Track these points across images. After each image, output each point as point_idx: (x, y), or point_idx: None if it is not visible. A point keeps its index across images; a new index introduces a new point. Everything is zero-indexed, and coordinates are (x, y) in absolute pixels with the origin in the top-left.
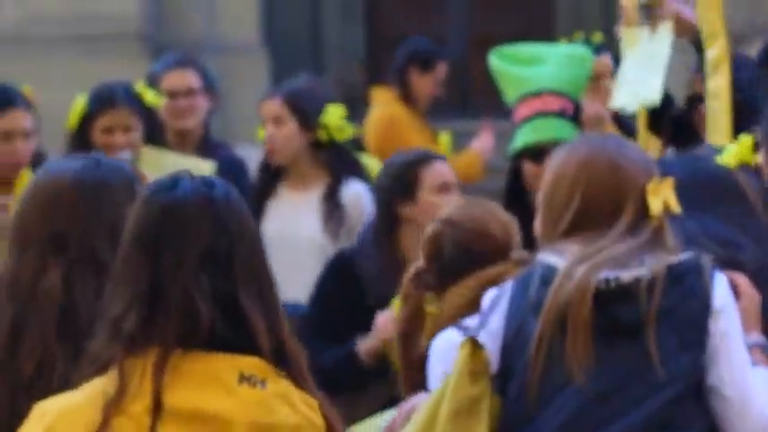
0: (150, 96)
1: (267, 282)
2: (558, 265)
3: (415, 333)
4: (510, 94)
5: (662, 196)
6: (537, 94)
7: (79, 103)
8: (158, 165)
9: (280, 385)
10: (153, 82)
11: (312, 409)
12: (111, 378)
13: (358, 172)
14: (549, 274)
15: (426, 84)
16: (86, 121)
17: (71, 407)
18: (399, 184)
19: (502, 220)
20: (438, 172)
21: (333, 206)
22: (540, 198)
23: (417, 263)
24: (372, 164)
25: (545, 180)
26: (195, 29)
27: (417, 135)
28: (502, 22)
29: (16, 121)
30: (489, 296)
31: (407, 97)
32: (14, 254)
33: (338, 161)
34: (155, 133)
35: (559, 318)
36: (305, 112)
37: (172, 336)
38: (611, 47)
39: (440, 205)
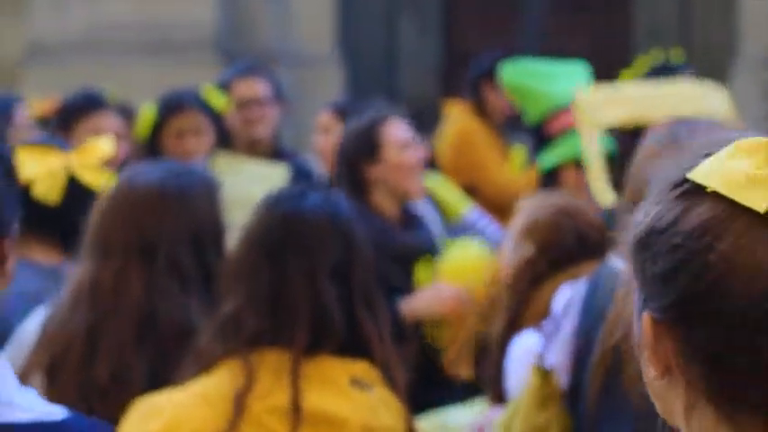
0: (217, 99)
1: (377, 294)
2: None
3: (516, 323)
4: (537, 107)
5: None
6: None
7: (148, 112)
8: (233, 170)
9: (383, 391)
10: (223, 90)
11: (400, 416)
12: (225, 375)
13: None
14: (614, 280)
15: (500, 98)
16: (157, 128)
17: (186, 403)
18: (363, 147)
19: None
20: (397, 129)
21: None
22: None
23: (523, 250)
24: (437, 183)
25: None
26: (269, 39)
27: (491, 149)
28: (576, 38)
29: (106, 122)
30: (562, 297)
31: (481, 111)
32: (96, 259)
33: None
34: (223, 138)
35: (622, 330)
36: None
37: (303, 340)
38: (689, 63)
39: (405, 162)
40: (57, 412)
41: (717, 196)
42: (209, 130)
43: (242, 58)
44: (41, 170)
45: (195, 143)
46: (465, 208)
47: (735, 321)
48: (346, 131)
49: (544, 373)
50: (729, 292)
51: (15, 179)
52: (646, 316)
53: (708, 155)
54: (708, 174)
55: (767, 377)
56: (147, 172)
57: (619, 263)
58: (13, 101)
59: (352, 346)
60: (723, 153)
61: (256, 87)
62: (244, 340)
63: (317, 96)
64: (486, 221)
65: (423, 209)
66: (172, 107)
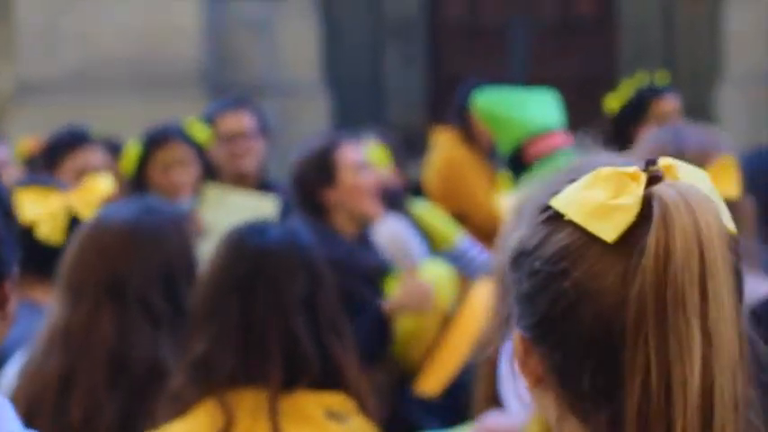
0: (200, 132)
1: (343, 320)
2: None
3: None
4: (511, 135)
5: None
6: (546, 133)
7: (132, 147)
8: (221, 203)
9: (359, 420)
10: (208, 124)
11: None
12: (202, 417)
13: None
14: None
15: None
16: (142, 162)
17: None
18: (318, 172)
19: None
20: (351, 152)
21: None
22: None
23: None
24: (424, 210)
25: None
26: (255, 70)
27: (479, 176)
28: (561, 64)
29: (92, 158)
30: None
31: (468, 138)
32: (68, 301)
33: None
34: (208, 171)
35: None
36: None
37: (278, 377)
38: (675, 85)
39: (361, 185)
40: None
41: (574, 224)
42: (195, 162)
43: (229, 91)
44: (43, 211)
45: (181, 175)
46: (456, 236)
47: (584, 344)
48: (300, 157)
49: None
50: (581, 318)
51: (14, 220)
52: (516, 332)
53: (572, 181)
54: (566, 202)
55: (613, 397)
56: (119, 212)
57: None
58: None
59: (326, 377)
60: (582, 181)
61: (242, 121)
62: (219, 381)
63: (304, 126)
64: (477, 250)
65: (408, 234)
66: (156, 140)
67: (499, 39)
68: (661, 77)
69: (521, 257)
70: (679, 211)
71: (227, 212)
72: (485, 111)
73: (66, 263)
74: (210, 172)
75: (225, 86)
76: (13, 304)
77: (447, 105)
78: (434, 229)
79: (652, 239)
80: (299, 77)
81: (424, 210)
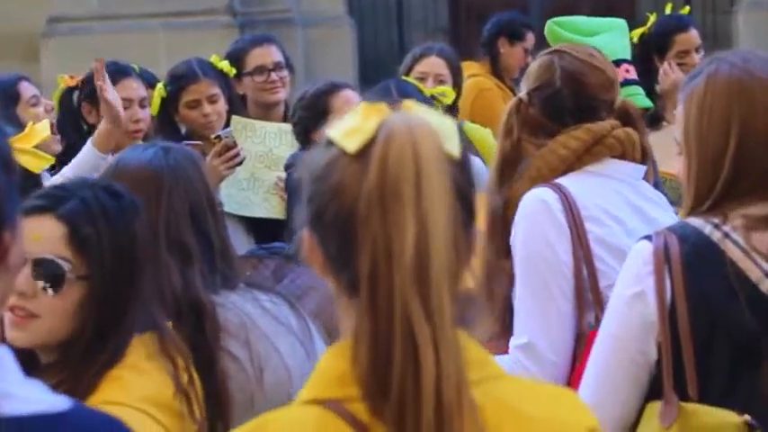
0: (224, 66)
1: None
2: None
3: (511, 168)
4: None
5: None
6: (616, 64)
7: (159, 89)
8: (253, 131)
9: None
10: (236, 58)
11: None
12: None
13: None
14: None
15: (515, 54)
16: (170, 101)
17: None
18: (313, 114)
19: (604, 59)
20: (346, 98)
21: None
22: (681, 147)
23: (521, 93)
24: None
25: (683, 121)
26: (281, 2)
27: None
28: None
29: (133, 90)
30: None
31: (496, 69)
32: None
33: None
34: (234, 104)
35: None
36: None
37: None
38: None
39: None
40: (60, 403)
41: (335, 143)
42: (222, 97)
43: (255, 24)
44: None
45: (211, 109)
46: None
47: (337, 230)
48: (299, 98)
49: None
50: (334, 211)
51: (14, 171)
52: (304, 231)
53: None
54: (334, 128)
55: (351, 265)
56: (137, 156)
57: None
58: (18, 79)
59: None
60: (354, 111)
61: (273, 54)
62: None
63: (329, 57)
64: None
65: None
66: (184, 78)
67: None
68: (685, 11)
69: (304, 172)
70: (400, 130)
71: (253, 143)
72: (553, 34)
73: None
74: (236, 107)
75: (252, 18)
76: (15, 256)
77: (470, 36)
78: (484, 142)
79: (377, 150)
80: (325, 9)
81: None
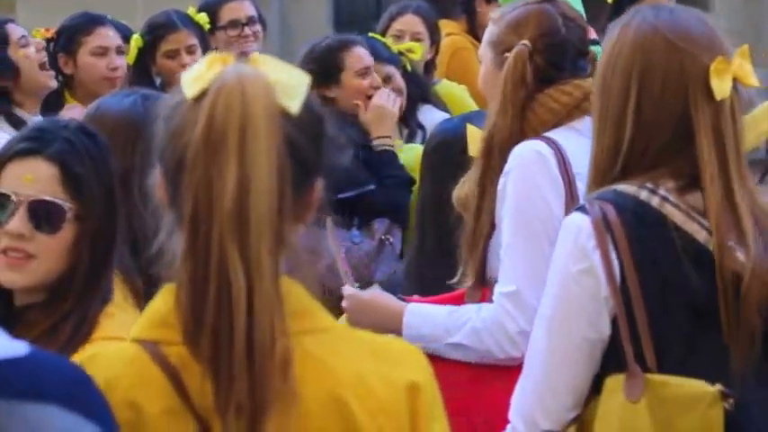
0: (201, 18)
1: None
2: (701, 239)
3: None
4: None
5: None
6: None
7: (136, 38)
8: None
9: None
10: (208, 12)
11: None
12: None
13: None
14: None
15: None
16: (148, 51)
17: None
18: (324, 69)
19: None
20: (359, 56)
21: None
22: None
23: (523, 41)
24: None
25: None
26: None
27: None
28: None
29: (108, 39)
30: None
31: (473, 28)
32: None
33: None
34: None
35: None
36: None
37: None
38: None
39: (362, 87)
40: (19, 348)
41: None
42: (199, 48)
43: None
44: None
45: (189, 60)
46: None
47: (173, 170)
48: (308, 50)
49: None
50: (171, 150)
51: None
52: (156, 168)
53: None
54: (188, 72)
55: (181, 208)
56: (115, 103)
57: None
58: (4, 22)
59: None
60: (204, 59)
61: (246, 8)
62: None
63: (306, 13)
64: None
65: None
66: (163, 28)
67: None
68: None
69: (160, 110)
70: (231, 81)
71: None
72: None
73: None
74: None
75: None
76: None
77: None
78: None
79: (207, 98)
80: None
81: (445, 87)
